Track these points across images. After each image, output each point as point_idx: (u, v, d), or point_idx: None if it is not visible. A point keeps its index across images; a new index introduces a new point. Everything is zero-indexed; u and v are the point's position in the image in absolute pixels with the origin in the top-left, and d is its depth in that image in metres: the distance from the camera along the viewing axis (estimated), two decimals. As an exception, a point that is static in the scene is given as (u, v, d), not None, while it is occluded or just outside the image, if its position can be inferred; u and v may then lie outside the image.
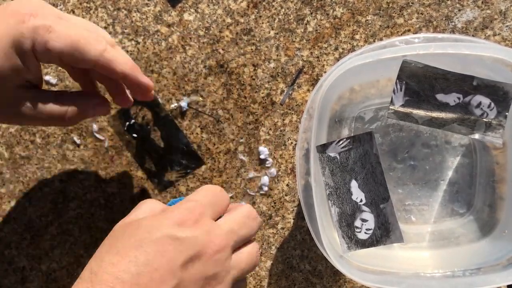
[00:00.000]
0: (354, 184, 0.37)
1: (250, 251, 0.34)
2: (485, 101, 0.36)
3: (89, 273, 0.29)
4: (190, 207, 0.32)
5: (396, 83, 0.36)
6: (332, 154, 0.37)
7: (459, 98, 0.36)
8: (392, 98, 0.37)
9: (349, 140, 0.37)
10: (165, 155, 0.45)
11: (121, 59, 0.33)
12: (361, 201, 0.37)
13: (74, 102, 0.34)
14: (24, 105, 0.32)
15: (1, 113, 0.32)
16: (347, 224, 0.37)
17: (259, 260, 0.36)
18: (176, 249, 0.30)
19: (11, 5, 0.30)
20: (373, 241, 0.37)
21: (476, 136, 0.37)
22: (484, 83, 0.35)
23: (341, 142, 0.37)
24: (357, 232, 0.37)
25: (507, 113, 0.36)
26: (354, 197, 0.37)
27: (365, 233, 0.37)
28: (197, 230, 0.31)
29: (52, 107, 0.33)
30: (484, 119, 0.36)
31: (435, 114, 0.37)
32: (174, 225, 0.30)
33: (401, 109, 0.37)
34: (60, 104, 0.33)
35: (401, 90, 0.37)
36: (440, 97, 0.36)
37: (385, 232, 0.36)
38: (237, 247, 0.33)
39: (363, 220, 0.37)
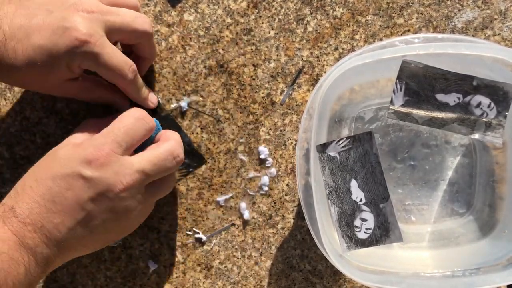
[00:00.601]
0: (354, 184, 0.37)
1: (162, 183, 0.38)
2: (485, 101, 0.36)
3: (15, 192, 0.34)
4: (100, 145, 0.34)
5: (396, 83, 0.36)
6: (332, 154, 0.37)
7: (459, 98, 0.36)
8: (392, 98, 0.37)
9: (349, 140, 0.37)
10: None
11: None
12: (360, 200, 0.37)
13: (100, 97, 0.41)
14: (68, 92, 0.40)
15: (57, 94, 0.41)
16: (346, 223, 0.37)
17: (175, 162, 0.37)
18: (83, 185, 0.34)
19: (70, 23, 0.35)
20: (372, 241, 0.37)
21: (476, 136, 0.37)
22: (484, 83, 0.35)
23: (341, 142, 0.37)
24: (356, 231, 0.37)
25: (507, 113, 0.36)
26: (353, 197, 0.37)
27: (364, 232, 0.37)
28: (104, 170, 0.34)
29: (86, 95, 0.41)
30: (484, 119, 0.36)
31: (435, 114, 0.37)
32: (83, 163, 0.34)
33: (401, 109, 0.37)
34: (90, 93, 0.40)
35: (401, 90, 0.37)
36: (440, 97, 0.36)
37: (384, 232, 0.36)
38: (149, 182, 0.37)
39: (363, 220, 0.37)
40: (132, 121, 0.36)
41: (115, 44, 0.38)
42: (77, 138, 0.37)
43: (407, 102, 0.37)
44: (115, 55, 0.37)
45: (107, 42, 0.36)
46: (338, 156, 0.37)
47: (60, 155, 0.35)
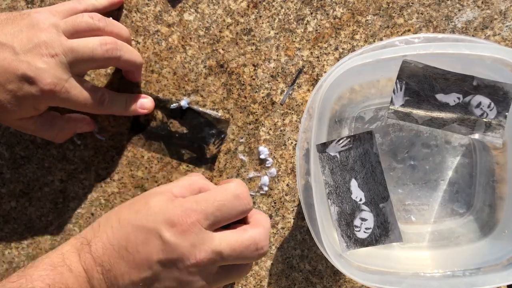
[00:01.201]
0: (354, 183, 0.37)
1: (240, 267, 0.35)
2: (485, 101, 0.36)
3: (97, 225, 0.34)
4: (189, 211, 0.33)
5: (396, 83, 0.36)
6: (332, 153, 0.37)
7: (459, 98, 0.36)
8: (392, 98, 0.37)
9: (349, 139, 0.37)
10: (195, 136, 0.45)
11: None
12: (360, 200, 0.37)
13: (63, 128, 0.42)
14: (25, 129, 0.41)
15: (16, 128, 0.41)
16: (346, 223, 0.37)
17: (247, 273, 0.36)
18: (158, 246, 0.33)
19: (33, 72, 0.36)
20: (372, 240, 0.37)
21: (476, 136, 0.37)
22: (484, 83, 0.35)
23: (341, 141, 0.37)
24: (356, 231, 0.37)
25: (507, 113, 0.36)
26: (353, 196, 0.37)
27: (364, 232, 0.37)
28: (183, 238, 0.33)
29: (45, 131, 0.41)
30: (484, 119, 0.36)
31: (435, 114, 0.37)
32: (166, 223, 0.33)
33: (401, 109, 0.37)
34: (50, 127, 0.41)
35: (401, 90, 0.37)
36: (440, 97, 0.36)
37: (384, 232, 0.36)
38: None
39: (363, 219, 0.37)
40: (230, 197, 0.34)
41: None
42: (176, 190, 0.36)
43: (407, 102, 0.37)
44: (82, 94, 0.38)
45: (73, 84, 0.37)
46: (338, 155, 0.37)
47: (151, 204, 0.34)
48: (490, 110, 0.36)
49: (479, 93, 0.36)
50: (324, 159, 0.37)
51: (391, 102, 0.37)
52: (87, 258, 0.33)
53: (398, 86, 0.36)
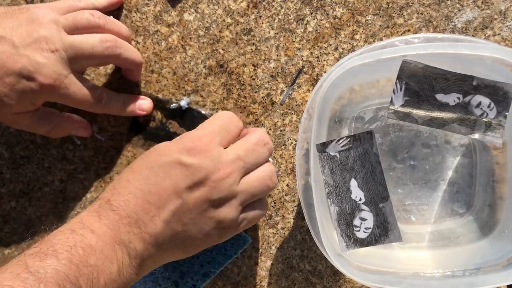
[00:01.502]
0: (353, 183, 0.37)
1: (259, 175, 0.36)
2: (485, 101, 0.36)
3: (112, 186, 0.34)
4: (199, 135, 0.35)
5: (396, 83, 0.36)
6: (332, 153, 0.37)
7: (459, 98, 0.36)
8: (392, 98, 0.37)
9: (349, 139, 0.37)
10: None
11: None
12: (360, 200, 0.37)
13: (58, 124, 0.42)
14: (20, 125, 0.40)
15: (11, 125, 0.41)
16: (346, 222, 0.37)
17: (272, 182, 0.37)
18: (182, 173, 0.33)
19: (32, 66, 0.36)
20: (371, 240, 0.37)
21: (476, 136, 0.37)
22: (484, 83, 0.35)
23: (341, 141, 0.37)
24: (356, 231, 0.37)
25: (507, 113, 0.36)
26: (353, 196, 0.37)
27: (364, 232, 0.37)
28: (203, 157, 0.34)
29: (40, 126, 0.41)
30: (484, 119, 0.36)
31: (435, 114, 0.37)
32: (182, 151, 0.34)
33: (401, 109, 0.37)
34: (46, 122, 0.41)
35: (401, 90, 0.37)
36: (440, 97, 0.36)
37: (384, 231, 0.36)
38: (247, 172, 0.36)
39: (362, 219, 0.37)
40: (226, 119, 0.37)
41: None
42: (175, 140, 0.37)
43: (407, 102, 0.37)
44: (80, 91, 0.38)
45: (72, 80, 0.37)
46: (338, 155, 0.37)
47: (158, 148, 0.35)
48: (490, 110, 0.36)
49: (479, 93, 0.36)
50: (324, 158, 0.37)
51: (391, 102, 0.37)
52: (109, 216, 0.32)
53: (398, 86, 0.36)
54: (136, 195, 0.33)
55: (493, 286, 0.35)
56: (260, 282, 0.45)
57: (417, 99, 0.37)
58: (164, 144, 0.36)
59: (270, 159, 0.39)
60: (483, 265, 0.38)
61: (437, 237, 0.42)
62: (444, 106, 0.37)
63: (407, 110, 0.37)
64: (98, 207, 0.33)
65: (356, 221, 0.37)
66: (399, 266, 0.40)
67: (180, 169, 0.33)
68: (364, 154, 0.37)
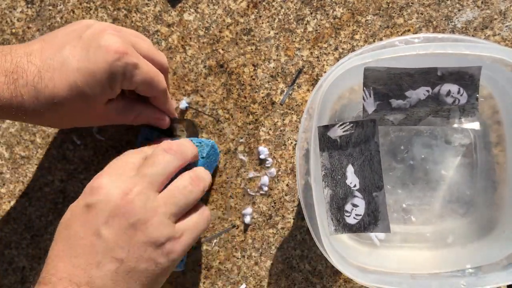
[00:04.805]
0: (350, 169, 0.37)
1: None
2: (454, 88, 0.36)
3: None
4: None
5: (364, 90, 0.37)
6: (332, 136, 0.37)
7: (428, 91, 0.37)
8: (363, 105, 0.37)
9: (352, 125, 0.37)
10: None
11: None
12: (354, 186, 0.37)
13: (140, 112, 0.41)
14: (108, 116, 0.39)
15: (93, 123, 0.42)
16: (337, 207, 0.37)
17: (205, 224, 0.37)
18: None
19: (104, 41, 0.35)
20: (360, 227, 0.37)
21: (454, 124, 0.37)
22: (449, 71, 0.36)
23: (343, 126, 0.37)
24: (346, 216, 0.37)
25: (477, 95, 0.36)
26: (348, 182, 0.37)
27: (354, 218, 0.37)
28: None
29: (125, 115, 0.40)
30: (457, 105, 0.37)
31: (409, 112, 0.37)
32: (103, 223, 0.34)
33: (375, 115, 0.37)
34: (130, 111, 0.40)
35: (370, 96, 0.37)
36: (410, 93, 0.37)
37: (373, 220, 0.36)
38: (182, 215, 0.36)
39: (354, 205, 0.37)
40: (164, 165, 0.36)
41: None
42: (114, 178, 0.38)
43: (379, 106, 0.37)
44: (148, 65, 0.38)
45: (139, 55, 0.37)
46: (338, 139, 0.37)
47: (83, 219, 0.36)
48: (461, 95, 0.36)
49: (446, 81, 0.36)
50: (324, 141, 0.37)
51: (364, 110, 0.37)
52: None
53: (367, 93, 0.37)
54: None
55: (493, 286, 0.35)
56: (260, 282, 0.45)
57: (388, 101, 0.37)
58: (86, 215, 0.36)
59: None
60: (483, 265, 0.38)
61: (437, 237, 0.42)
62: (416, 102, 0.37)
63: (381, 114, 0.37)
64: None
65: (348, 207, 0.37)
66: (399, 266, 0.40)
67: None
68: (364, 142, 0.36)
